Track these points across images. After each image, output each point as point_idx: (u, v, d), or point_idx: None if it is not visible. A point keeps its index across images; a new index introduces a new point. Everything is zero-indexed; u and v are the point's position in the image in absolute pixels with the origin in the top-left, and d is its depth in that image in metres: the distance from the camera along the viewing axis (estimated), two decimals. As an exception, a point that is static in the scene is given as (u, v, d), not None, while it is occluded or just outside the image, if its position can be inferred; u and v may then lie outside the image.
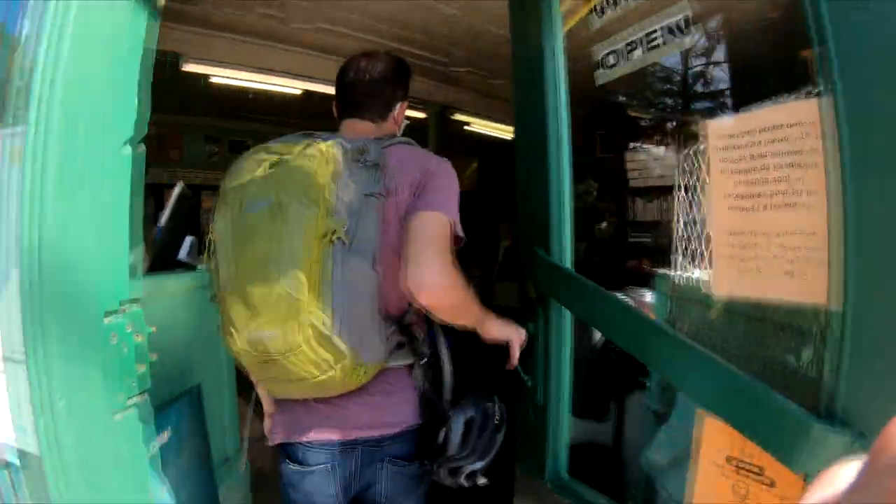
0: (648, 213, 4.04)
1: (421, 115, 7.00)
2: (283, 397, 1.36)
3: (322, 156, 1.19)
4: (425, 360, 1.35)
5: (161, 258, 2.15)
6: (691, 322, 1.34)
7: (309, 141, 1.25)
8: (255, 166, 1.23)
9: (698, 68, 3.62)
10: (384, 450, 1.36)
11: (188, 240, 2.83)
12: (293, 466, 1.39)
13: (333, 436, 1.33)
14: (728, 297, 1.18)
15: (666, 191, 2.21)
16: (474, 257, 9.02)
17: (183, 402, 1.91)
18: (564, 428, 1.59)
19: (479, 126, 8.21)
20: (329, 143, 1.23)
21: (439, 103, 6.78)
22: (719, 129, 1.18)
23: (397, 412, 1.35)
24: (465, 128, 8.02)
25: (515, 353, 1.47)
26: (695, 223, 1.26)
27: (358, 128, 1.46)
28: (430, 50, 5.52)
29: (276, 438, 1.41)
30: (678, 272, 1.34)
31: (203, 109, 7.66)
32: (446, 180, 1.33)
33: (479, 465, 1.32)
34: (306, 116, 8.00)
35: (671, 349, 1.18)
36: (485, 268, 9.43)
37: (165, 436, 1.66)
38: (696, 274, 1.28)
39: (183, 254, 2.62)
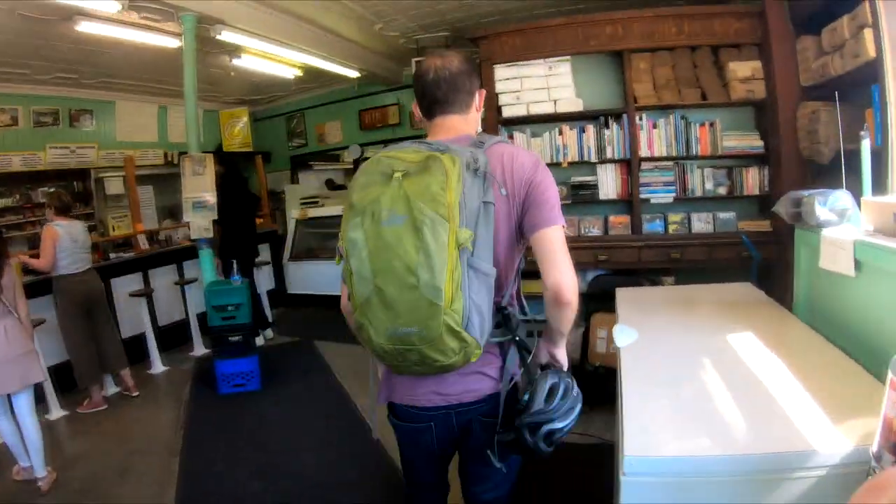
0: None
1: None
2: (406, 375, 1.56)
3: (448, 172, 1.35)
4: (518, 338, 1.57)
5: None
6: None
7: (428, 152, 1.41)
8: (382, 179, 1.40)
9: None
10: (474, 410, 1.59)
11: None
12: (399, 422, 1.69)
13: (435, 402, 1.59)
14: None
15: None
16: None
17: None
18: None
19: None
20: (448, 156, 1.38)
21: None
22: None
23: (484, 382, 1.58)
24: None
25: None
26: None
27: (448, 123, 1.64)
28: None
29: (382, 399, 1.72)
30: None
31: None
32: (548, 185, 1.54)
33: (558, 425, 1.45)
34: None
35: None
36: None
37: None
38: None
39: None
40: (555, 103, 4.25)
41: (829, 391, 1.54)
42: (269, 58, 6.51)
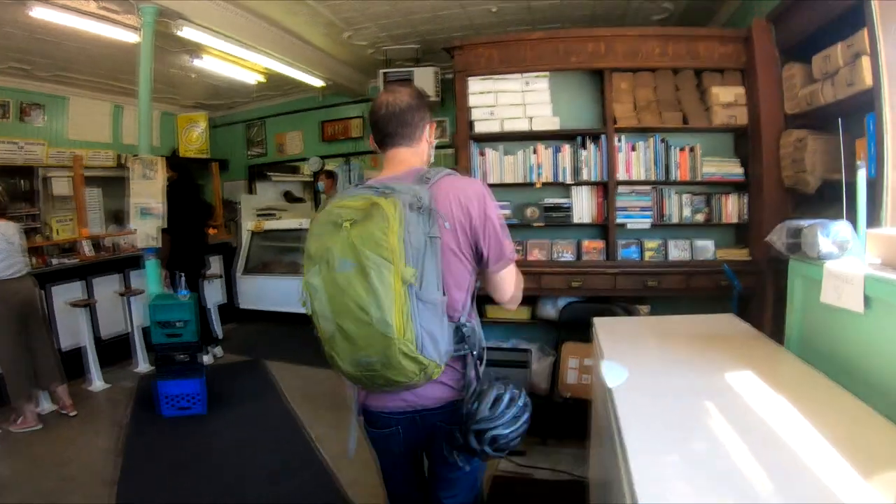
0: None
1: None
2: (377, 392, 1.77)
3: (390, 217, 1.50)
4: (476, 350, 1.76)
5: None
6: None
7: (371, 199, 1.56)
8: (332, 228, 1.57)
9: None
10: (437, 415, 1.77)
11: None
12: (372, 429, 1.86)
13: (400, 406, 1.77)
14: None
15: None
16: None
17: None
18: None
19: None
20: (391, 200, 1.53)
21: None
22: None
23: (443, 390, 1.75)
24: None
25: None
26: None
27: (400, 156, 1.80)
28: None
29: (358, 410, 1.86)
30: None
31: None
32: (495, 223, 1.71)
33: (502, 431, 1.59)
34: None
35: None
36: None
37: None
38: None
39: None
40: (530, 120, 4.05)
41: (846, 438, 1.37)
42: (232, 60, 6.24)
